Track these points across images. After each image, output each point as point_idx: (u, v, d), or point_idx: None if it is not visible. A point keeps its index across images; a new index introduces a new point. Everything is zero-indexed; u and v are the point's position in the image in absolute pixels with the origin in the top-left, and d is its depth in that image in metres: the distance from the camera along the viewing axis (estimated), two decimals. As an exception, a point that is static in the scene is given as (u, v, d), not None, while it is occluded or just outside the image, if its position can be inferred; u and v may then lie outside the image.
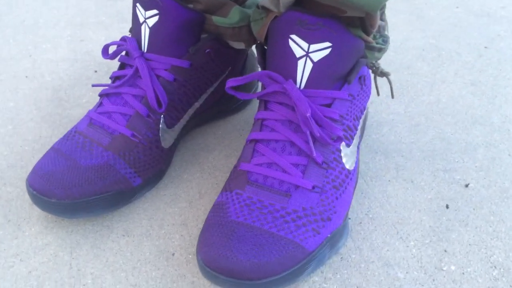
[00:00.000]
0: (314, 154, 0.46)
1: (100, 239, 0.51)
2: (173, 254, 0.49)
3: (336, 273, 0.47)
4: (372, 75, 0.73)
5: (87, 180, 0.49)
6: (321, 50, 0.46)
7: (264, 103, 0.50)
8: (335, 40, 0.46)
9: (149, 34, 0.53)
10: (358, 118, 0.51)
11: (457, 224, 0.52)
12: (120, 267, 0.48)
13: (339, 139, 0.47)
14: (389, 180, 0.57)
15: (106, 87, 0.55)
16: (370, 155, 0.60)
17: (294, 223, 0.44)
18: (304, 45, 0.46)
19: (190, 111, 0.57)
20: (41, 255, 0.49)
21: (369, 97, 0.53)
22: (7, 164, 0.60)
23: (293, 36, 0.46)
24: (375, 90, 0.70)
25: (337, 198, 0.48)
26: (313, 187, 0.46)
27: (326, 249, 0.46)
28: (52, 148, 0.53)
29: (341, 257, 0.49)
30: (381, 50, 0.52)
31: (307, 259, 0.44)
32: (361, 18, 0.48)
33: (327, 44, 0.46)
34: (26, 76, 0.75)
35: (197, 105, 0.58)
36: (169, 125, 0.55)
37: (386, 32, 0.54)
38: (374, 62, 0.54)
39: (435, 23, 0.87)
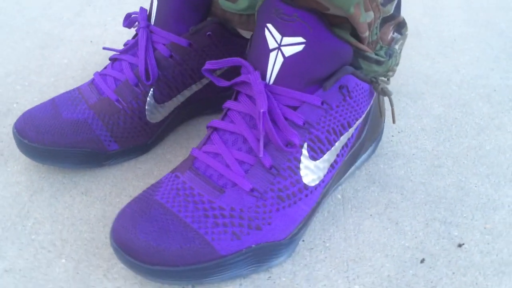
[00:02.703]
0: (261, 155, 0.42)
1: (62, 190, 0.52)
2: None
3: (254, 290, 0.42)
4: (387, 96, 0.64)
5: (60, 131, 0.51)
6: (293, 45, 0.42)
7: (236, 93, 0.47)
8: (310, 36, 0.41)
9: (156, 7, 0.53)
10: (337, 134, 0.46)
11: (423, 283, 0.43)
12: (61, 221, 0.49)
13: (293, 147, 0.43)
14: (371, 215, 0.50)
15: (116, 53, 0.57)
16: (365, 183, 0.53)
17: (214, 219, 0.41)
18: (278, 36, 0.42)
19: (186, 93, 0.56)
20: (7, 190, 0.52)
21: (360, 115, 0.47)
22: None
23: (269, 26, 0.43)
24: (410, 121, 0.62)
25: (278, 210, 0.43)
26: (252, 190, 0.42)
27: (247, 260, 0.42)
28: (52, 98, 0.56)
29: (269, 276, 0.44)
30: (380, 63, 0.46)
31: (215, 261, 0.40)
32: (353, 20, 0.42)
33: (300, 39, 0.42)
34: (91, 41, 0.81)
35: (194, 88, 0.57)
36: (159, 100, 0.55)
37: (396, 47, 0.48)
38: (376, 77, 0.48)
39: (527, 66, 0.75)
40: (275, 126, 0.43)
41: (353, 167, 0.53)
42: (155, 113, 0.55)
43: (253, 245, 0.42)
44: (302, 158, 0.44)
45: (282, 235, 0.44)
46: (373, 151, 0.56)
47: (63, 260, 0.45)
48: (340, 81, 0.44)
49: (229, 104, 0.46)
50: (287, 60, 0.42)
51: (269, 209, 0.42)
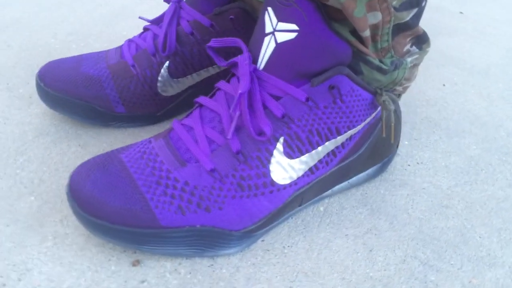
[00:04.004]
0: (229, 137, 0.40)
1: (63, 138, 0.54)
2: (92, 177, 0.50)
3: (190, 273, 0.41)
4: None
5: (73, 82, 0.54)
6: (286, 32, 0.40)
7: (231, 75, 0.46)
8: (304, 25, 0.39)
9: (189, -16, 0.54)
10: (322, 137, 0.43)
11: (370, 317, 0.38)
12: (49, 164, 0.51)
13: (263, 135, 0.40)
14: (346, 235, 0.45)
15: (148, 23, 0.59)
16: (355, 203, 0.49)
17: (165, 188, 0.40)
18: (274, 21, 0.41)
19: (203, 73, 0.56)
20: (18, 127, 0.56)
21: (353, 124, 0.44)
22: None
23: (269, 9, 0.42)
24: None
25: (234, 197, 0.41)
26: (212, 170, 0.41)
27: (191, 240, 0.40)
28: (82, 54, 0.59)
29: (212, 264, 0.42)
30: (382, 72, 0.42)
31: (154, 230, 0.39)
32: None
33: (294, 26, 0.40)
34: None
35: (212, 70, 0.56)
36: (173, 74, 0.55)
37: (409, 59, 0.44)
38: (381, 88, 0.44)
39: None
40: (251, 112, 0.41)
41: (345, 183, 0.49)
42: (167, 86, 0.56)
43: (198, 225, 0.40)
44: (275, 151, 0.42)
45: (234, 226, 0.41)
46: (376, 173, 0.51)
47: (32, 198, 0.46)
48: (331, 80, 0.41)
49: (221, 84, 0.45)
50: (278, 47, 0.41)
51: (224, 194, 0.41)
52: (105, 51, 0.58)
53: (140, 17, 0.58)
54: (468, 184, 0.53)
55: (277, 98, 0.42)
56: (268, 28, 0.41)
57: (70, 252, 0.41)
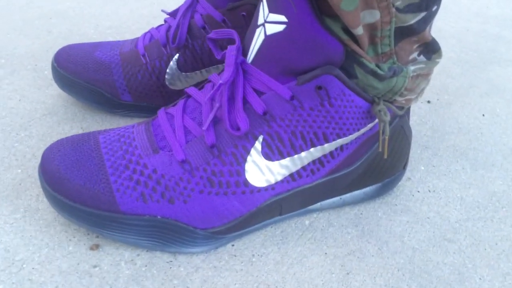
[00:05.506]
0: (204, 128, 0.38)
1: (68, 120, 0.55)
2: (83, 159, 0.49)
3: (145, 265, 0.39)
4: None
5: (84, 65, 0.54)
6: (275, 24, 0.38)
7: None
8: (292, 18, 0.37)
9: (207, -22, 0.54)
10: (306, 141, 0.39)
11: None
12: (46, 141, 0.51)
13: (238, 130, 0.38)
14: (325, 253, 0.42)
15: (167, 16, 0.59)
16: (345, 222, 0.45)
17: (132, 173, 0.39)
18: (266, 12, 0.39)
19: (212, 71, 0.55)
20: (30, 105, 0.57)
21: (344, 132, 0.40)
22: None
23: (264, 0, 0.39)
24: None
25: (201, 192, 0.38)
26: (183, 161, 0.39)
27: (151, 232, 0.39)
28: (101, 41, 0.60)
29: (171, 261, 0.39)
30: (378, 77, 0.38)
31: (112, 214, 0.38)
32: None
33: (283, 18, 0.37)
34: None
35: (222, 68, 0.55)
36: (182, 68, 0.54)
37: (412, 68, 0.40)
38: (379, 96, 0.40)
39: None
40: (230, 104, 0.39)
41: (337, 198, 0.45)
42: (175, 80, 0.55)
43: (159, 216, 0.38)
44: (252, 150, 0.39)
45: (200, 223, 0.39)
46: (376, 194, 0.47)
47: (19, 170, 0.47)
48: (318, 79, 0.38)
49: (211, 76, 0.43)
50: (267, 39, 0.38)
51: (192, 187, 0.38)
52: (124, 40, 0.58)
53: (162, 10, 0.58)
54: (482, 221, 0.47)
55: (261, 94, 0.39)
56: (260, 20, 0.39)
57: (35, 227, 0.41)
